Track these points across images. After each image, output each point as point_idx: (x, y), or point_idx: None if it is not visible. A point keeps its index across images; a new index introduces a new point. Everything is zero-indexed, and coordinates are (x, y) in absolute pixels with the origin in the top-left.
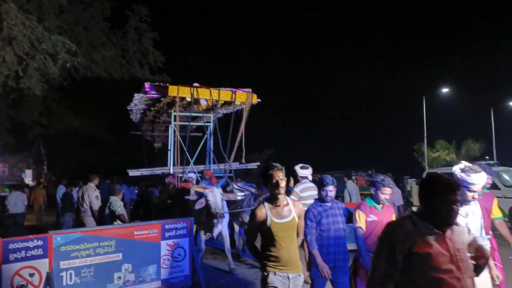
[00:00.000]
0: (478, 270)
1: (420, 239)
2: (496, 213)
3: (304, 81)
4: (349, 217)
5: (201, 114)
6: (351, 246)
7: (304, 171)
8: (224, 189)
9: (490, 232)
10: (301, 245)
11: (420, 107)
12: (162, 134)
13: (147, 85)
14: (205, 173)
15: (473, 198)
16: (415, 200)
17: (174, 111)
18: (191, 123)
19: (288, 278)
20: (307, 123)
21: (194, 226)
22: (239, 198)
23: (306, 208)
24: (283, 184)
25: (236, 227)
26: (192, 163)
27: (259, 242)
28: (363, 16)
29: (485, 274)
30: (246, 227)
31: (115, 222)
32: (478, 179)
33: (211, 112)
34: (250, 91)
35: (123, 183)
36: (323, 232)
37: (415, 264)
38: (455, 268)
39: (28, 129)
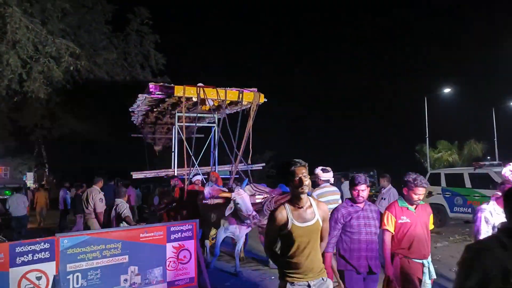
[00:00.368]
0: None
1: None
2: None
3: (304, 81)
4: None
5: (209, 115)
6: None
7: (326, 175)
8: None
9: None
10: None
11: (422, 108)
12: (163, 136)
13: (151, 85)
14: (211, 175)
15: None
16: None
17: (178, 112)
18: (196, 124)
19: (309, 286)
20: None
21: (213, 230)
22: (258, 201)
23: None
24: (307, 182)
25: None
26: (196, 165)
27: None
28: (363, 16)
29: None
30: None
31: (121, 224)
32: None
33: (216, 112)
34: (256, 91)
35: (131, 186)
36: (353, 235)
37: None
38: None
39: (30, 132)
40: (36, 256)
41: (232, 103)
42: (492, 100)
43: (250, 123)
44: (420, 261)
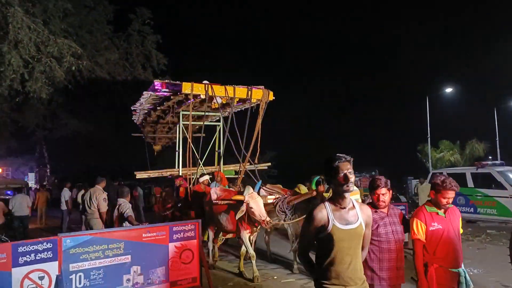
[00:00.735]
0: None
1: None
2: None
3: (304, 81)
4: None
5: (215, 113)
6: None
7: None
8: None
9: None
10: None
11: (423, 107)
12: (164, 136)
13: (157, 82)
14: (216, 175)
15: None
16: (421, 200)
17: (183, 110)
18: (200, 122)
19: None
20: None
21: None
22: (269, 201)
23: None
24: (352, 179)
25: None
26: (201, 164)
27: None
28: (363, 16)
29: None
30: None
31: (124, 224)
32: None
33: (221, 110)
34: (264, 88)
35: (138, 186)
36: (382, 244)
37: None
38: None
39: (32, 133)
40: (39, 256)
41: (240, 101)
42: (494, 100)
43: (259, 121)
44: (457, 270)
